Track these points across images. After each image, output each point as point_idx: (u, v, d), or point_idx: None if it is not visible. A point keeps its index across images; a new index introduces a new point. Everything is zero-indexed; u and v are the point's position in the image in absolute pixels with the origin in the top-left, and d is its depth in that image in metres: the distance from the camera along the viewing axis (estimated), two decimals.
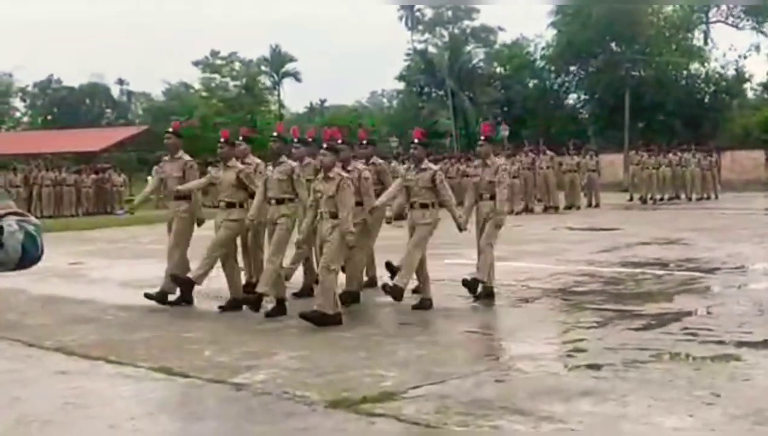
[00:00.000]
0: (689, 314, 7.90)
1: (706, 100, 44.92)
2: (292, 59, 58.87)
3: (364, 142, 10.27)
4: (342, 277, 8.56)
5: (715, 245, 13.37)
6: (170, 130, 9.82)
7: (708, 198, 27.10)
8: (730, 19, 45.85)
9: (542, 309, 8.52)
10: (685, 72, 44.75)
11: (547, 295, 9.24)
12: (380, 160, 10.37)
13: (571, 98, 50.08)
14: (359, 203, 8.67)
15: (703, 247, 13.28)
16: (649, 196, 26.19)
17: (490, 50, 52.18)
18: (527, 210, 22.85)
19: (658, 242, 14.23)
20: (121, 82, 70.67)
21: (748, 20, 45.24)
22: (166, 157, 9.77)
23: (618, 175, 35.72)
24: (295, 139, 9.88)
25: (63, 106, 63.15)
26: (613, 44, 43.88)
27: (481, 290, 8.89)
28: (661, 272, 10.58)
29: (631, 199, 27.10)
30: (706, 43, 45.85)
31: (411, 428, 4.70)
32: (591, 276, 10.42)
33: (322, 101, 70.97)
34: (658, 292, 9.22)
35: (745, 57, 46.06)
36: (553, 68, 48.34)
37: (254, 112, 49.05)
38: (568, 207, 23.70)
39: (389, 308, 8.68)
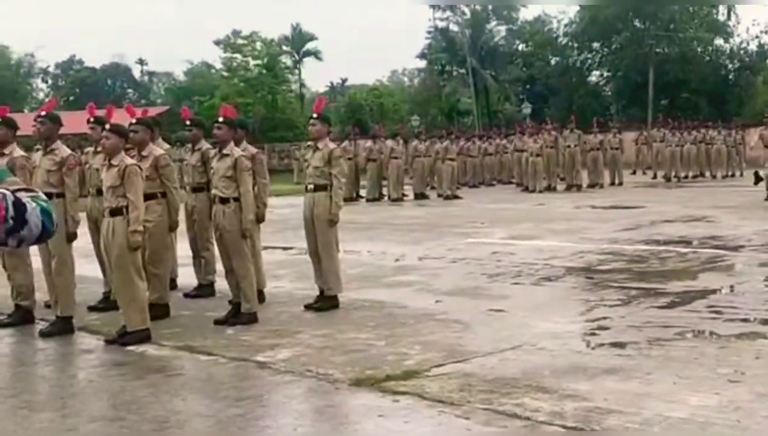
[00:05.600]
0: (714, 291, 7.84)
1: (731, 76, 44.36)
2: (312, 38, 58.82)
3: (187, 123, 8.62)
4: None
5: (740, 223, 13.23)
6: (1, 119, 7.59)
7: (733, 175, 26.88)
8: None
9: (566, 287, 8.49)
10: (709, 48, 44.18)
11: (571, 273, 9.19)
12: (208, 145, 8.31)
13: (594, 75, 49.73)
14: (151, 197, 7.22)
15: (727, 225, 13.15)
16: (673, 173, 25.98)
17: (512, 27, 51.79)
18: (550, 188, 22.75)
19: (682, 219, 14.11)
20: (141, 62, 70.94)
21: None
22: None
23: (642, 152, 35.34)
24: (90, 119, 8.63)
25: (85, 86, 63.40)
26: (636, 21, 43.41)
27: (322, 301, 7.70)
28: (685, 250, 10.50)
29: (655, 176, 26.92)
30: (729, 17, 45.19)
31: (435, 406, 4.70)
32: (614, 254, 10.35)
33: (343, 80, 70.87)
34: (682, 270, 9.14)
35: (767, 32, 45.32)
36: (575, 45, 47.94)
37: (275, 92, 48.98)
38: (591, 185, 23.57)
39: (409, 288, 8.68)
